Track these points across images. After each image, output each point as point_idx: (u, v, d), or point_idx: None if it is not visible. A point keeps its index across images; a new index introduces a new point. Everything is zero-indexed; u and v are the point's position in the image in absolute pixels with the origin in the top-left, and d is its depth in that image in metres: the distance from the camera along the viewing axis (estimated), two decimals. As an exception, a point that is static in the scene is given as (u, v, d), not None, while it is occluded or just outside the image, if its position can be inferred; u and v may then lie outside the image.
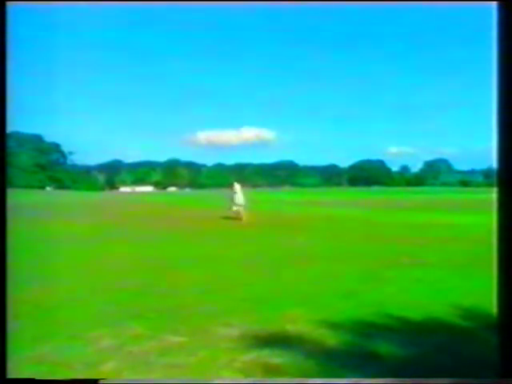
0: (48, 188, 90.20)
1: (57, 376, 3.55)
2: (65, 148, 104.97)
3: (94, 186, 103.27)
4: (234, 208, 18.83)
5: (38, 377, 3.52)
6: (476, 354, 4.04)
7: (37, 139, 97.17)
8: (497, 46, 2.72)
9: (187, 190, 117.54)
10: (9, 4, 2.72)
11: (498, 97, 2.73)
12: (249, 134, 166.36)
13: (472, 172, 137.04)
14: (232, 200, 18.93)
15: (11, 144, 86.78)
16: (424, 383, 3.33)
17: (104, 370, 3.66)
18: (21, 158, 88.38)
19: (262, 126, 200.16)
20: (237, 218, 18.08)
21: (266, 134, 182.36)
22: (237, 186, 19.09)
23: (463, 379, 3.34)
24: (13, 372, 3.09)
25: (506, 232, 2.68)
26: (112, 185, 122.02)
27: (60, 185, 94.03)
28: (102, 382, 3.04)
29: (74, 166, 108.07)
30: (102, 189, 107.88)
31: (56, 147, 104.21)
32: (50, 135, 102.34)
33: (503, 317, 2.73)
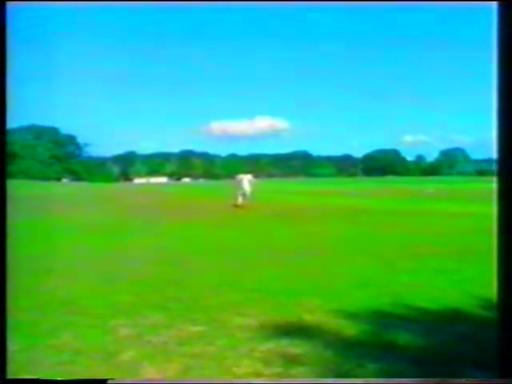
0: (64, 180, 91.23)
1: (77, 364, 3.61)
2: (80, 140, 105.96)
3: (108, 178, 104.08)
4: (240, 198, 19.87)
5: (55, 370, 3.59)
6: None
7: (53, 131, 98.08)
8: (497, 46, 2.73)
9: (201, 180, 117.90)
10: (9, 4, 2.73)
11: (498, 97, 2.73)
12: (263, 123, 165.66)
13: (488, 161, 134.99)
14: (239, 190, 20.02)
15: (28, 137, 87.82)
16: (424, 383, 3.32)
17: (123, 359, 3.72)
18: (37, 150, 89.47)
19: (276, 116, 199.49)
20: (243, 207, 18.82)
21: (280, 123, 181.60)
22: (240, 176, 20.32)
23: (463, 379, 3.32)
24: (13, 372, 3.13)
25: (506, 222, 2.65)
26: (126, 176, 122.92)
27: (76, 177, 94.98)
28: (110, 382, 3.08)
29: (90, 158, 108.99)
30: (116, 180, 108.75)
31: (71, 139, 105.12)
32: (66, 127, 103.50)
33: (503, 317, 2.70)
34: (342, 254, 8.39)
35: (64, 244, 9.77)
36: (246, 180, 20.14)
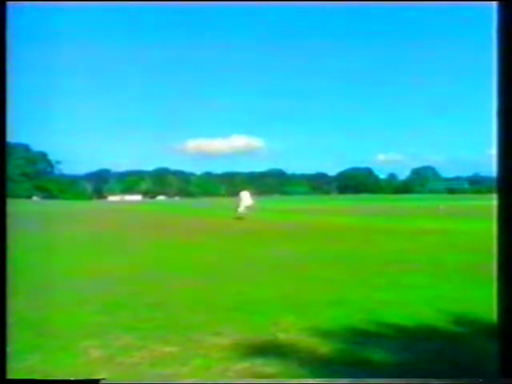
0: (35, 197, 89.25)
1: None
2: (52, 157, 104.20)
3: (82, 196, 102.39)
4: (242, 208, 24.14)
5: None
6: (467, 359, 4.06)
7: (23, 148, 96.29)
8: (497, 46, 2.71)
9: (176, 198, 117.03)
10: (9, 4, 2.70)
11: (498, 99, 2.72)
12: (238, 142, 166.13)
13: (458, 179, 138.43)
14: (241, 202, 24.49)
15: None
16: (423, 383, 3.33)
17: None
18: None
19: (252, 135, 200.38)
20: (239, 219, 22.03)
21: (256, 142, 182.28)
22: (243, 192, 25.25)
23: (463, 379, 3.35)
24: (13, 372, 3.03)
25: (505, 237, 2.70)
26: (100, 194, 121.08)
27: (47, 194, 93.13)
28: (103, 382, 3.00)
29: (62, 176, 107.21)
30: (89, 198, 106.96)
31: (43, 156, 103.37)
32: (37, 145, 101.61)
33: (503, 317, 2.74)
34: (316, 272, 8.41)
35: (33, 263, 9.50)
36: (247, 195, 24.99)
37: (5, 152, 2.75)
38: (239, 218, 23.28)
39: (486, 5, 2.96)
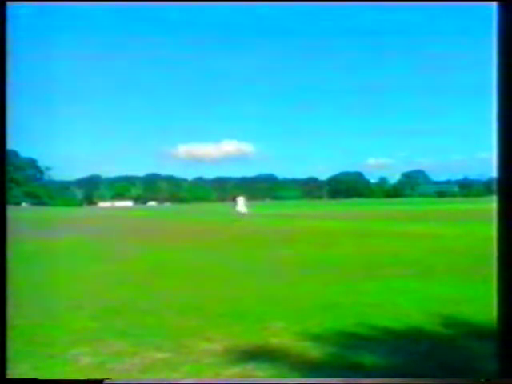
0: (24, 204, 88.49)
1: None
2: (41, 163, 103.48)
3: (72, 202, 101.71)
4: (240, 209, 27.19)
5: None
6: (458, 362, 4.10)
7: (12, 154, 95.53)
8: (497, 47, 2.70)
9: (167, 204, 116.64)
10: (9, 4, 2.69)
11: (498, 102, 2.72)
12: (229, 147, 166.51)
13: (448, 183, 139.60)
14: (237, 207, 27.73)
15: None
16: (423, 383, 3.35)
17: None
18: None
19: (243, 140, 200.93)
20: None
21: (247, 147, 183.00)
22: (239, 197, 28.40)
23: (463, 379, 3.37)
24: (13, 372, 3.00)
25: (505, 240, 2.72)
26: (90, 200, 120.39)
27: (37, 201, 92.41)
28: (106, 381, 2.98)
29: (52, 182, 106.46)
30: (80, 204, 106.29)
31: (32, 163, 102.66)
32: (26, 151, 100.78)
33: (502, 317, 2.77)
34: (306, 276, 8.43)
35: (23, 269, 9.42)
36: (243, 200, 28.38)
37: (4, 161, 2.74)
38: (234, 221, 24.71)
39: (486, 5, 2.97)
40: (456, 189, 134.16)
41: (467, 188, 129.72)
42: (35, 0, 5.02)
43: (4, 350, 2.61)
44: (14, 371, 3.92)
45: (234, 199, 30.25)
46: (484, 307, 5.16)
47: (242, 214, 28.14)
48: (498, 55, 2.72)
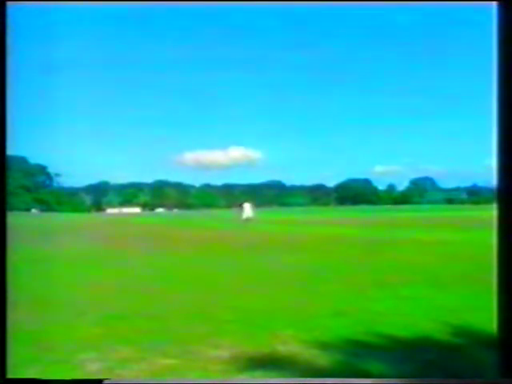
0: (33, 210, 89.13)
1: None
2: (51, 170, 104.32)
3: (80, 208, 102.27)
4: (245, 215, 27.96)
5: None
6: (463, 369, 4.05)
7: (22, 161, 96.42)
8: (497, 47, 2.70)
9: (175, 210, 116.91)
10: (9, 4, 2.72)
11: (498, 107, 2.70)
12: (236, 153, 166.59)
13: (456, 190, 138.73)
14: (243, 213, 28.41)
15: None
16: (423, 383, 3.32)
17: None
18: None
19: (250, 146, 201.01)
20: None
21: (254, 153, 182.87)
22: (245, 204, 28.98)
23: (463, 379, 3.34)
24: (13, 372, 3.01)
25: (505, 248, 2.70)
26: (99, 206, 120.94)
27: (46, 207, 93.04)
28: (106, 381, 2.99)
29: (61, 188, 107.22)
30: (88, 210, 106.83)
31: (42, 169, 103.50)
32: (36, 157, 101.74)
33: (502, 318, 2.75)
34: (315, 283, 8.40)
35: (31, 275, 9.48)
36: (249, 206, 28.94)
37: (5, 166, 2.77)
38: (241, 227, 25.18)
39: (486, 5, 2.96)
40: (465, 196, 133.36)
41: (476, 195, 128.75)
42: (35, 0, 5.07)
43: (4, 350, 2.63)
44: (20, 376, 3.94)
45: (240, 206, 30.72)
46: (493, 316, 5.11)
47: (248, 220, 28.18)
48: (498, 55, 2.71)
